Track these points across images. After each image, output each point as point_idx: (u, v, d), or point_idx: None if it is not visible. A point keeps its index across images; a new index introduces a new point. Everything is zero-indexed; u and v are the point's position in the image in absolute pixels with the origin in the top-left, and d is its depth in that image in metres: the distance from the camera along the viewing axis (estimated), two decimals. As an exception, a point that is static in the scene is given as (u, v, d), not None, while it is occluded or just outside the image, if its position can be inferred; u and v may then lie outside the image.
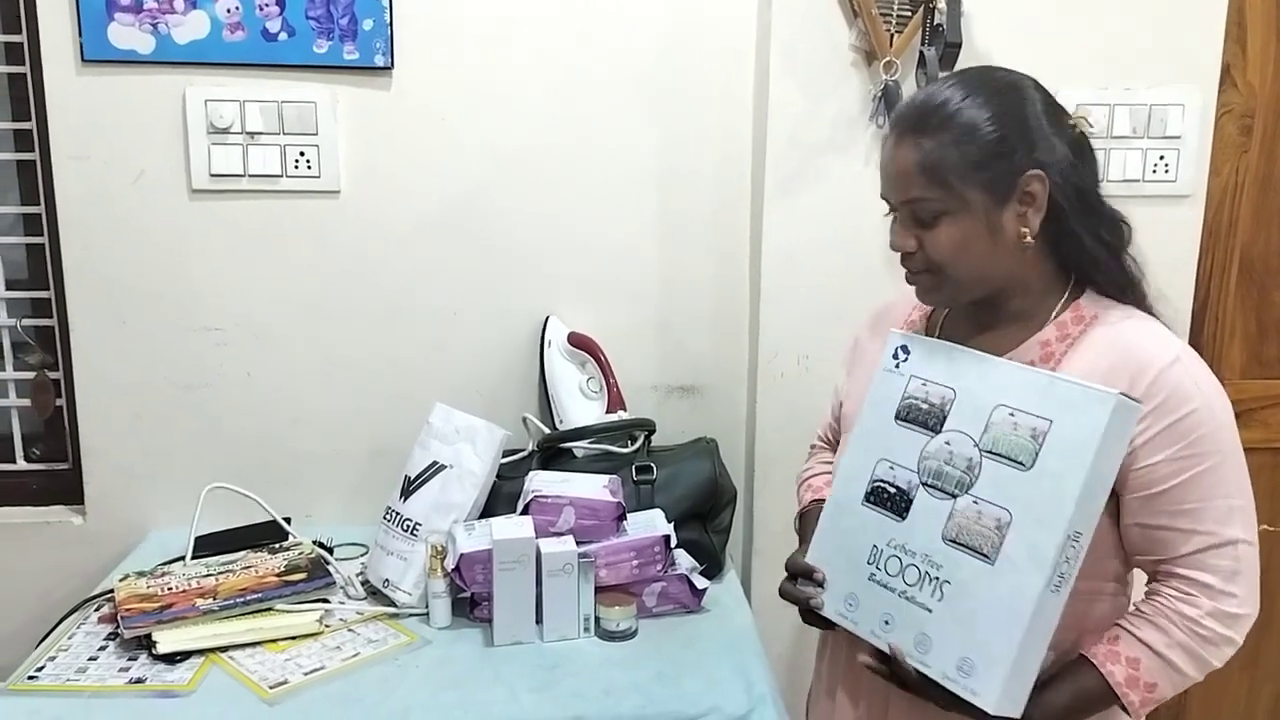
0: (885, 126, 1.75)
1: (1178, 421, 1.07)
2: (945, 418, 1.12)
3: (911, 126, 1.13)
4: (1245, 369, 2.09)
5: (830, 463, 1.47)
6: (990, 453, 1.07)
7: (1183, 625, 1.07)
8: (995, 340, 1.17)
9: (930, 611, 1.08)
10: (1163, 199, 1.85)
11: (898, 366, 1.19)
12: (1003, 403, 1.07)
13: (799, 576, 1.23)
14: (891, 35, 1.72)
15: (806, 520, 1.41)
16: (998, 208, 1.11)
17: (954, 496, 1.09)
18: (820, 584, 1.20)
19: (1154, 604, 1.10)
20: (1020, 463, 1.04)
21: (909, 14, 1.72)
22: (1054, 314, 1.16)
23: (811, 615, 1.23)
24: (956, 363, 1.14)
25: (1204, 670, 1.09)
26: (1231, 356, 2.08)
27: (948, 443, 1.11)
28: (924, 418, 1.14)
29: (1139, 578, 1.19)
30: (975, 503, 1.07)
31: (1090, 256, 1.14)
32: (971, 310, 1.21)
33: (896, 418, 1.16)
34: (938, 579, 1.08)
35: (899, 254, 1.18)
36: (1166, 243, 1.85)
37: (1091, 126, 1.16)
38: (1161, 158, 1.83)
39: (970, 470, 1.08)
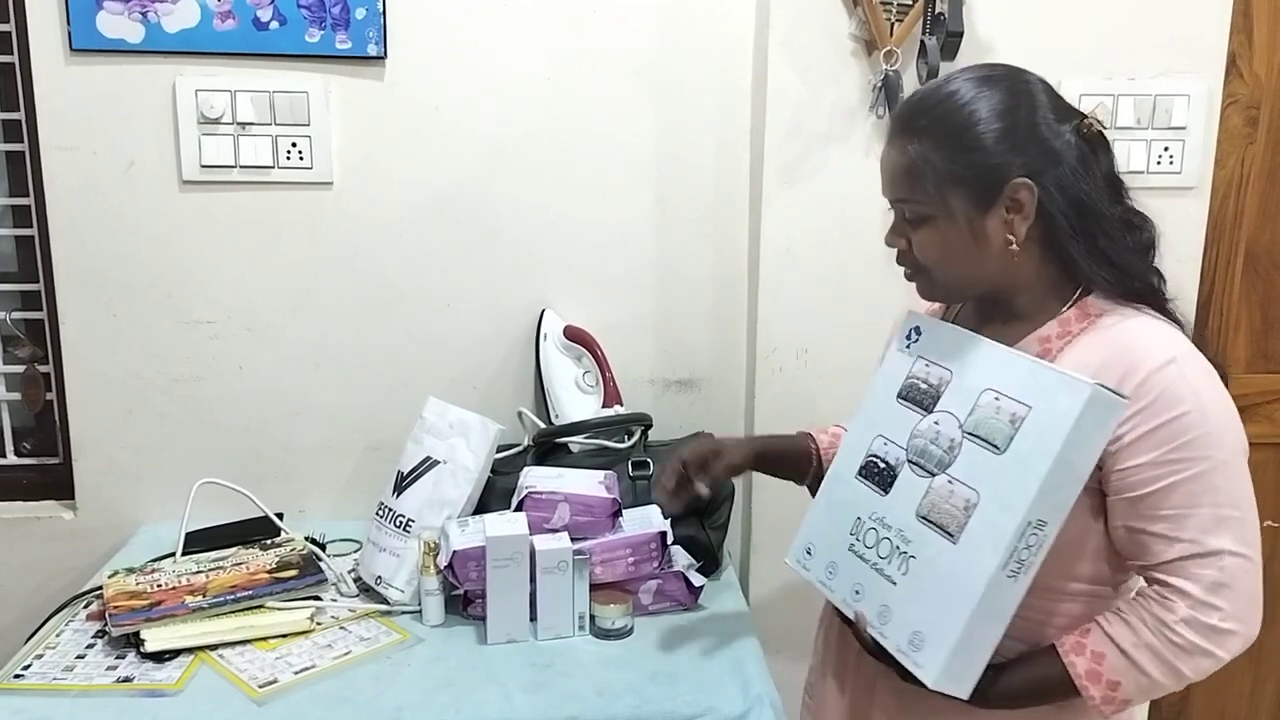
0: (885, 117, 1.73)
1: (1166, 424, 1.03)
2: (939, 398, 1.13)
3: (901, 128, 1.13)
4: (1250, 363, 2.07)
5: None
6: (971, 434, 1.08)
7: (1154, 627, 1.05)
8: (1000, 334, 1.15)
9: (895, 585, 1.10)
10: (1167, 191, 1.82)
11: (909, 347, 1.20)
12: (990, 386, 1.08)
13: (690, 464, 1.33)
14: (892, 24, 1.69)
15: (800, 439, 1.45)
16: (981, 215, 1.09)
17: (933, 475, 1.10)
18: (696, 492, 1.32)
19: (1131, 603, 1.09)
20: (995, 446, 1.05)
21: (910, 2, 1.69)
22: (1060, 312, 1.13)
23: None
24: (958, 346, 1.15)
25: (1175, 678, 1.06)
26: (1236, 351, 2.06)
27: (936, 422, 1.13)
28: (921, 397, 1.16)
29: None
30: (950, 482, 1.08)
31: (1084, 267, 1.11)
32: (980, 305, 1.21)
33: (898, 396, 1.18)
34: (905, 553, 1.10)
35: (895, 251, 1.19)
36: (1171, 236, 1.80)
37: (1105, 126, 1.13)
38: (1166, 149, 1.81)
39: (951, 450, 1.09)
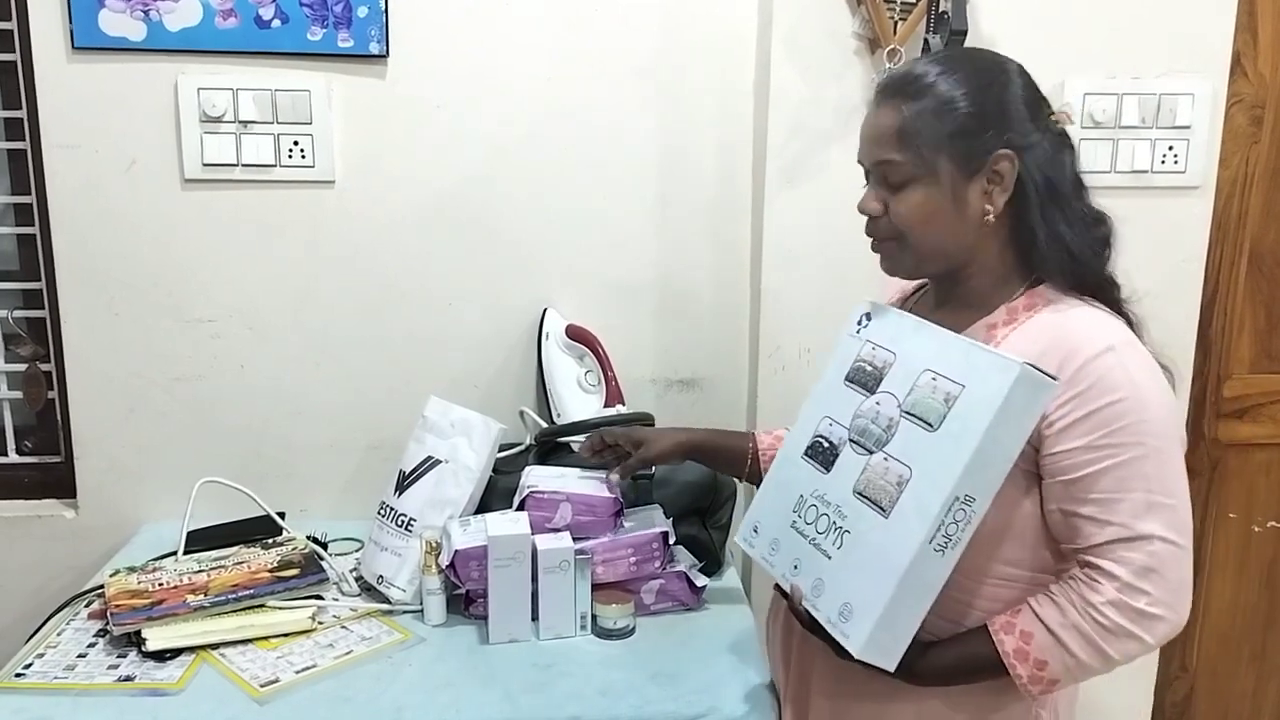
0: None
1: (1100, 410, 1.05)
2: (882, 379, 1.16)
3: (894, 91, 1.16)
4: (1254, 363, 2.06)
5: None
6: (908, 413, 1.11)
7: (1081, 608, 1.06)
8: (950, 319, 1.18)
9: (829, 559, 1.13)
10: (1172, 190, 1.82)
11: (858, 331, 1.24)
12: (929, 367, 1.11)
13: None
14: (895, 22, 1.69)
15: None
16: (964, 181, 1.12)
17: (871, 453, 1.13)
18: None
19: (1061, 585, 1.10)
20: (929, 424, 1.07)
21: (913, 1, 1.68)
22: (1010, 299, 1.16)
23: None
24: (903, 329, 1.18)
25: (1102, 660, 1.07)
26: (1240, 351, 2.05)
27: (878, 403, 1.15)
28: (866, 379, 1.18)
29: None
30: (886, 459, 1.11)
31: (1043, 252, 1.13)
32: (938, 292, 1.24)
33: (846, 379, 1.21)
34: (841, 528, 1.13)
35: (865, 221, 1.20)
36: (1175, 235, 1.83)
37: (1071, 122, 1.17)
38: (1170, 148, 1.80)
39: (889, 429, 1.12)
